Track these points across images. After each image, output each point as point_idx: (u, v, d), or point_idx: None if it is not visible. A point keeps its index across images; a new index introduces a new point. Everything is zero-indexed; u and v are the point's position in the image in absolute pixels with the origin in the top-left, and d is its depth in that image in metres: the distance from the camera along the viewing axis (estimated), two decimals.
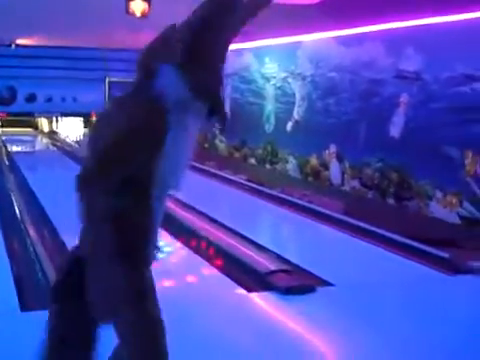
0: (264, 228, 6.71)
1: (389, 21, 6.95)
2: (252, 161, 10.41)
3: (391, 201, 7.01)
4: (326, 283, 4.33)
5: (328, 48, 8.23)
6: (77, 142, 13.89)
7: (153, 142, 1.78)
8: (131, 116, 1.79)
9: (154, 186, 1.84)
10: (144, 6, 6.96)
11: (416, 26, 6.63)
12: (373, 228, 6.10)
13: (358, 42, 7.57)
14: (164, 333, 1.98)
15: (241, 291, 4.16)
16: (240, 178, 9.85)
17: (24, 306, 3.74)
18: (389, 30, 7.01)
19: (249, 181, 9.48)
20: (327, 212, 6.94)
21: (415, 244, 5.47)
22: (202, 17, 1.86)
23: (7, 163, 10.17)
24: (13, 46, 13.66)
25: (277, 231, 6.87)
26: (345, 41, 7.85)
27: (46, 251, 4.77)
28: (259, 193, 8.33)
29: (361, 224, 6.29)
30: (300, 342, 3.43)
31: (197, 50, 1.83)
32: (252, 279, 4.38)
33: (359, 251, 5.52)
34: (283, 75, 9.36)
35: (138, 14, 7.01)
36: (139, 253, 1.93)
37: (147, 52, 1.96)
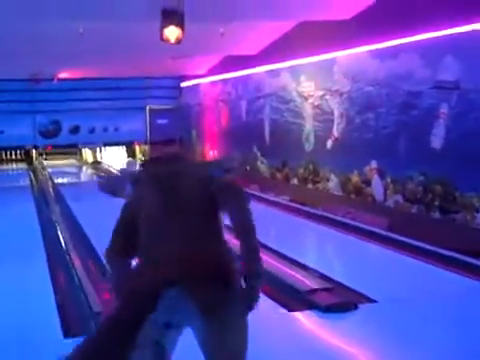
0: (307, 247, 6.65)
1: (424, 32, 6.85)
2: (294, 181, 10.36)
3: (436, 215, 6.85)
4: (369, 299, 4.24)
5: (363, 62, 8.15)
6: (120, 171, 14.07)
7: None
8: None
9: None
10: (178, 32, 7.02)
11: (451, 35, 6.51)
12: (418, 243, 5.97)
13: (393, 55, 7.48)
14: None
15: (283, 310, 4.11)
16: (283, 199, 9.82)
17: (67, 333, 3.76)
18: (424, 40, 6.90)
19: (292, 201, 9.42)
20: (370, 229, 6.84)
21: (461, 257, 5.33)
22: None
23: (53, 194, 10.36)
24: (55, 80, 14.03)
25: (320, 249, 6.80)
26: (380, 54, 7.76)
27: (90, 280, 4.81)
28: (302, 213, 8.28)
29: (405, 239, 6.17)
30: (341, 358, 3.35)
31: None
32: (294, 298, 4.32)
33: (403, 266, 5.40)
34: (320, 93, 9.31)
35: (172, 40, 7.07)
36: None
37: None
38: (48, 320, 3.97)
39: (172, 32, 7.02)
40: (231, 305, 2.13)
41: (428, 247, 5.78)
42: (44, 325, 3.92)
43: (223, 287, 2.13)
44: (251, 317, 3.95)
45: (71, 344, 3.51)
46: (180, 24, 7.02)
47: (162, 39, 7.06)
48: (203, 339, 2.17)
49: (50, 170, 14.83)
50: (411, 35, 7.09)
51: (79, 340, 3.61)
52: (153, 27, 7.14)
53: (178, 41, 7.13)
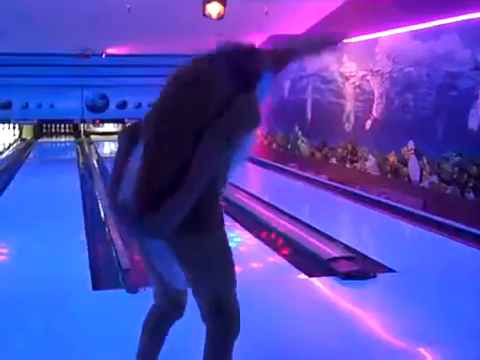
0: (337, 222, 6.73)
1: (465, 13, 6.80)
2: (333, 161, 10.41)
3: (471, 196, 6.84)
4: (389, 269, 4.35)
5: (405, 43, 8.13)
6: None
7: (252, 127, 2.15)
8: (244, 105, 2.14)
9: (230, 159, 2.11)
10: (220, 8, 7.18)
11: None
12: (449, 222, 6.01)
13: (434, 35, 7.44)
14: None
15: (303, 276, 4.25)
16: (322, 178, 9.90)
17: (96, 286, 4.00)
18: (465, 21, 6.86)
19: (330, 180, 9.51)
20: (404, 207, 6.89)
21: None
22: (298, 52, 2.52)
23: (97, 167, 10.67)
24: (104, 56, 14.32)
25: (350, 225, 6.89)
26: (421, 35, 7.73)
27: (122, 241, 5.03)
28: (338, 191, 8.36)
29: (436, 218, 6.21)
30: (357, 324, 3.48)
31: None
32: (315, 265, 4.46)
33: (430, 243, 5.46)
34: (362, 73, 9.32)
35: (214, 16, 7.23)
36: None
37: (256, 58, 2.27)
38: (80, 273, 4.22)
39: (214, 8, 7.18)
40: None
41: (459, 226, 5.81)
42: (76, 278, 4.17)
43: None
44: (274, 280, 4.14)
45: (98, 296, 3.79)
46: (222, 0, 7.17)
47: (204, 15, 7.22)
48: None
49: (97, 144, 15.23)
50: (452, 16, 7.05)
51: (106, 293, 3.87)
52: (197, 3, 7.29)
53: (220, 17, 7.28)
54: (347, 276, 4.06)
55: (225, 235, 2.19)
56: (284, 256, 4.79)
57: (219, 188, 2.14)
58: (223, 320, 2.24)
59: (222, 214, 2.20)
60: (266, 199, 7.32)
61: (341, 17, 9.45)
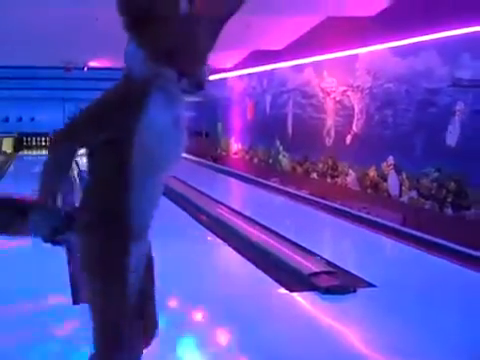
0: (318, 237, 6.76)
1: (444, 30, 6.92)
2: (314, 175, 10.48)
3: (449, 211, 6.92)
4: (368, 284, 4.37)
5: (385, 59, 8.24)
6: None
7: (128, 107, 1.86)
8: (108, 91, 1.94)
9: (136, 154, 1.88)
10: None
11: (472, 33, 6.58)
12: (428, 237, 6.07)
13: (414, 52, 7.56)
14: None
15: (283, 290, 4.26)
16: (303, 192, 9.95)
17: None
18: (444, 38, 6.98)
19: (311, 195, 9.55)
20: (384, 222, 6.94)
21: (468, 251, 5.41)
22: None
23: (77, 180, 10.61)
24: (85, 69, 14.32)
25: (330, 239, 6.93)
26: (401, 52, 7.85)
27: None
28: (319, 206, 8.40)
29: (416, 233, 6.27)
30: (337, 339, 3.49)
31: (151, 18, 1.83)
32: (296, 280, 4.47)
33: (409, 257, 5.51)
34: (342, 88, 9.42)
35: None
36: (118, 222, 1.94)
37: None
38: (60, 290, 4.19)
39: None
40: None
41: (438, 241, 5.87)
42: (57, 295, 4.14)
43: None
44: (255, 294, 4.15)
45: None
46: None
47: None
48: None
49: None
50: (431, 33, 7.17)
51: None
52: None
53: None
54: (327, 291, 4.08)
55: None
56: (264, 271, 4.79)
57: None
58: None
59: None
60: (247, 214, 7.34)
61: (322, 32, 9.56)
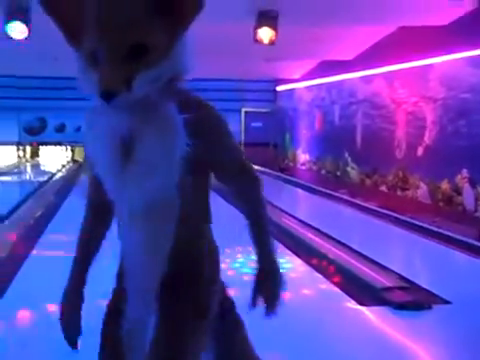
0: (389, 250, 6.60)
1: None
2: (383, 188, 10.28)
3: None
4: (444, 301, 4.22)
5: (459, 69, 8.01)
6: None
7: None
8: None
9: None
10: (271, 33, 7.20)
11: None
12: None
13: None
14: None
15: (353, 304, 4.16)
16: (372, 205, 9.77)
17: None
18: None
19: (381, 207, 9.36)
20: (458, 237, 6.72)
21: None
22: None
23: None
24: None
25: (402, 253, 6.74)
26: (476, 61, 7.61)
27: None
28: (389, 219, 8.21)
29: None
30: (409, 356, 3.37)
31: None
32: (368, 294, 4.37)
33: None
34: (414, 99, 9.21)
35: (266, 41, 7.25)
36: None
37: None
38: None
39: (265, 33, 7.19)
40: None
41: None
42: None
43: None
44: (325, 308, 4.08)
45: None
46: (274, 25, 7.19)
47: (255, 40, 7.24)
48: None
49: None
50: None
51: None
52: (247, 28, 7.32)
53: (271, 42, 7.29)
54: (401, 306, 3.96)
55: None
56: (335, 284, 4.71)
57: None
58: None
59: None
60: (316, 225, 7.24)
61: (394, 42, 9.39)
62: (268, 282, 1.76)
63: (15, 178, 13.88)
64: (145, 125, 1.51)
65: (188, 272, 1.70)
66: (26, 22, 6.99)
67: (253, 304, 1.79)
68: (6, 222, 7.34)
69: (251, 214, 1.78)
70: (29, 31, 7.07)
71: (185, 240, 1.64)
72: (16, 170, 15.19)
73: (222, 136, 1.69)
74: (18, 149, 17.28)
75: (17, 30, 7.09)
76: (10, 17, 7.01)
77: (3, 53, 10.27)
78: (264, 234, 1.79)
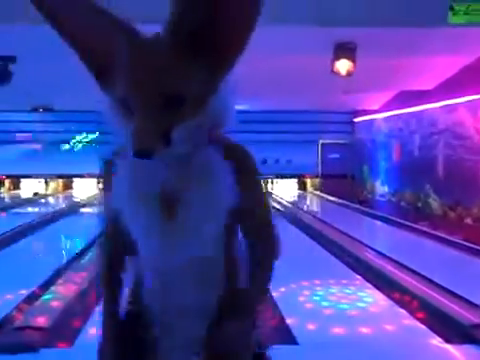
0: (476, 285, 6.32)
1: None
2: (468, 220, 9.93)
3: None
4: None
5: None
6: (291, 203, 14.34)
7: None
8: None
9: None
10: (349, 65, 7.17)
11: None
12: None
13: None
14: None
15: (439, 342, 4.00)
16: (456, 238, 9.44)
17: None
18: None
19: (465, 240, 9.04)
20: None
21: None
22: None
23: None
24: None
25: None
26: None
27: None
28: (475, 253, 7.91)
29: None
30: None
31: None
32: (454, 332, 4.19)
33: None
34: None
35: (343, 73, 7.22)
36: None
37: None
38: None
39: (343, 65, 7.18)
40: None
41: None
42: None
43: None
44: (409, 344, 3.93)
45: None
46: (352, 57, 7.17)
47: (332, 71, 7.23)
48: None
49: None
50: None
51: None
52: (325, 60, 7.33)
53: (349, 74, 7.27)
54: None
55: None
56: (419, 319, 4.55)
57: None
58: None
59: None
60: (396, 258, 7.06)
61: (475, 71, 9.15)
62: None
63: (96, 210, 14.31)
64: (186, 177, 1.41)
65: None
66: None
67: None
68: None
69: (257, 275, 1.61)
70: None
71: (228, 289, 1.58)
72: (97, 202, 15.66)
73: (260, 187, 1.62)
74: (98, 182, 17.81)
75: None
76: None
77: (85, 89, 10.68)
78: (258, 297, 1.63)
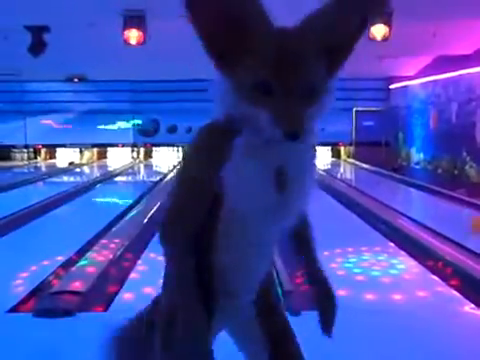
0: None
1: None
2: None
3: None
4: None
5: None
6: (325, 171, 14.29)
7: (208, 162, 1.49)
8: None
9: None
10: (385, 30, 7.06)
11: None
12: None
13: None
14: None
15: (473, 308, 3.98)
16: None
17: None
18: None
19: None
20: None
21: None
22: None
23: None
24: None
25: None
26: None
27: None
28: None
29: None
30: None
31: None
32: None
33: None
34: None
35: (379, 38, 7.12)
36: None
37: None
38: None
39: (379, 30, 7.06)
40: None
41: None
42: None
43: None
44: (442, 311, 3.92)
45: None
46: (388, 22, 7.04)
47: (368, 37, 7.12)
48: None
49: None
50: None
51: None
52: None
53: (385, 39, 7.15)
54: None
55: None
56: (453, 286, 4.52)
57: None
58: None
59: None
60: (431, 226, 6.99)
61: None
62: (328, 303, 1.80)
63: (130, 178, 14.46)
64: (295, 156, 1.51)
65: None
66: (142, 29, 7.41)
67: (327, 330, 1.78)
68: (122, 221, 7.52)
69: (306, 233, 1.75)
70: (144, 38, 7.49)
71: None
72: (130, 171, 15.82)
73: None
74: (132, 150, 18.03)
75: (133, 37, 7.50)
76: (127, 25, 7.43)
77: (119, 59, 10.74)
78: (315, 252, 1.76)
